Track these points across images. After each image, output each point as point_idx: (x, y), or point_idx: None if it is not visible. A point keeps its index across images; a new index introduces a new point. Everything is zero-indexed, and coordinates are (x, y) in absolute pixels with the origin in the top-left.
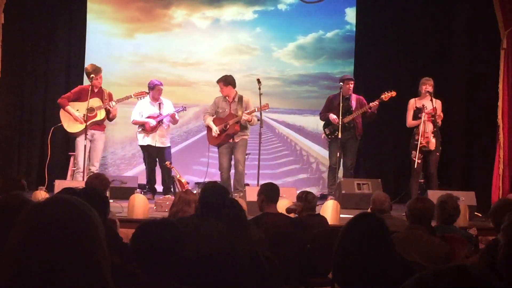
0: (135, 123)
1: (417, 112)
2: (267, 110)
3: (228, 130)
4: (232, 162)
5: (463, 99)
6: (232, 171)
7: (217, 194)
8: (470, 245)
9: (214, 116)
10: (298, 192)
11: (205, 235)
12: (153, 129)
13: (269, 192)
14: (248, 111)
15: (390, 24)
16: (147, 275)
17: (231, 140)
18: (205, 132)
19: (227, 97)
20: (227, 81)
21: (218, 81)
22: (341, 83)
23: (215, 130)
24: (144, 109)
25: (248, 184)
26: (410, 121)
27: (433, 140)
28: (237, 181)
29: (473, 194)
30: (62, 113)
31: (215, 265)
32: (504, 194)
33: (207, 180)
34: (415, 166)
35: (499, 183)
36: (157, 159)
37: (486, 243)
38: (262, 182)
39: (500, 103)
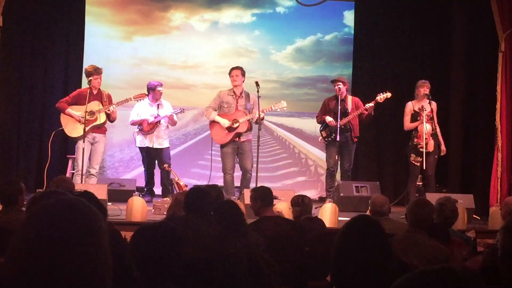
0: (133, 123)
1: (415, 115)
2: (285, 109)
3: (239, 128)
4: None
5: (462, 101)
6: (236, 173)
7: (201, 196)
8: (468, 248)
9: (217, 112)
10: (292, 197)
11: (195, 237)
12: (150, 130)
13: (263, 196)
14: (261, 109)
15: (388, 27)
16: (146, 279)
17: (237, 139)
18: (204, 134)
19: (233, 92)
20: (243, 71)
21: (236, 68)
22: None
23: (226, 123)
24: (142, 110)
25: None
26: (407, 124)
27: (431, 142)
28: (243, 187)
29: (471, 197)
30: (62, 117)
31: (211, 268)
32: (502, 197)
33: (207, 183)
34: (415, 169)
35: (497, 186)
36: (156, 161)
37: (486, 246)
38: (260, 185)
39: (498, 106)
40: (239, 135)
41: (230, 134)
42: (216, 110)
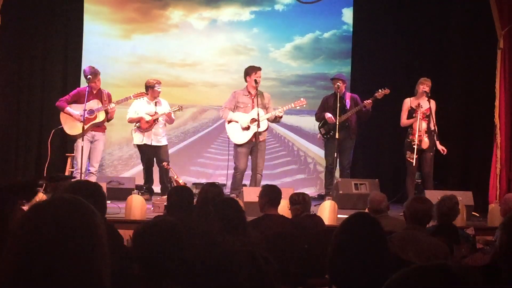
0: (130, 120)
1: (412, 112)
2: (304, 105)
3: (259, 127)
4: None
5: (460, 98)
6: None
7: (182, 195)
8: (467, 245)
9: (234, 111)
10: (291, 194)
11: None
12: (148, 127)
13: (272, 195)
14: (282, 106)
15: (387, 24)
16: (148, 277)
17: (254, 139)
18: (203, 132)
19: (248, 91)
20: None
21: (260, 69)
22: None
23: (245, 123)
24: (140, 107)
25: (245, 185)
26: (403, 121)
27: (426, 139)
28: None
29: (471, 194)
30: (62, 116)
31: (211, 267)
32: (502, 194)
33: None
34: (410, 166)
35: (496, 183)
36: (154, 159)
37: (485, 243)
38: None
39: (497, 103)
40: (258, 134)
41: (249, 134)
42: (231, 111)
